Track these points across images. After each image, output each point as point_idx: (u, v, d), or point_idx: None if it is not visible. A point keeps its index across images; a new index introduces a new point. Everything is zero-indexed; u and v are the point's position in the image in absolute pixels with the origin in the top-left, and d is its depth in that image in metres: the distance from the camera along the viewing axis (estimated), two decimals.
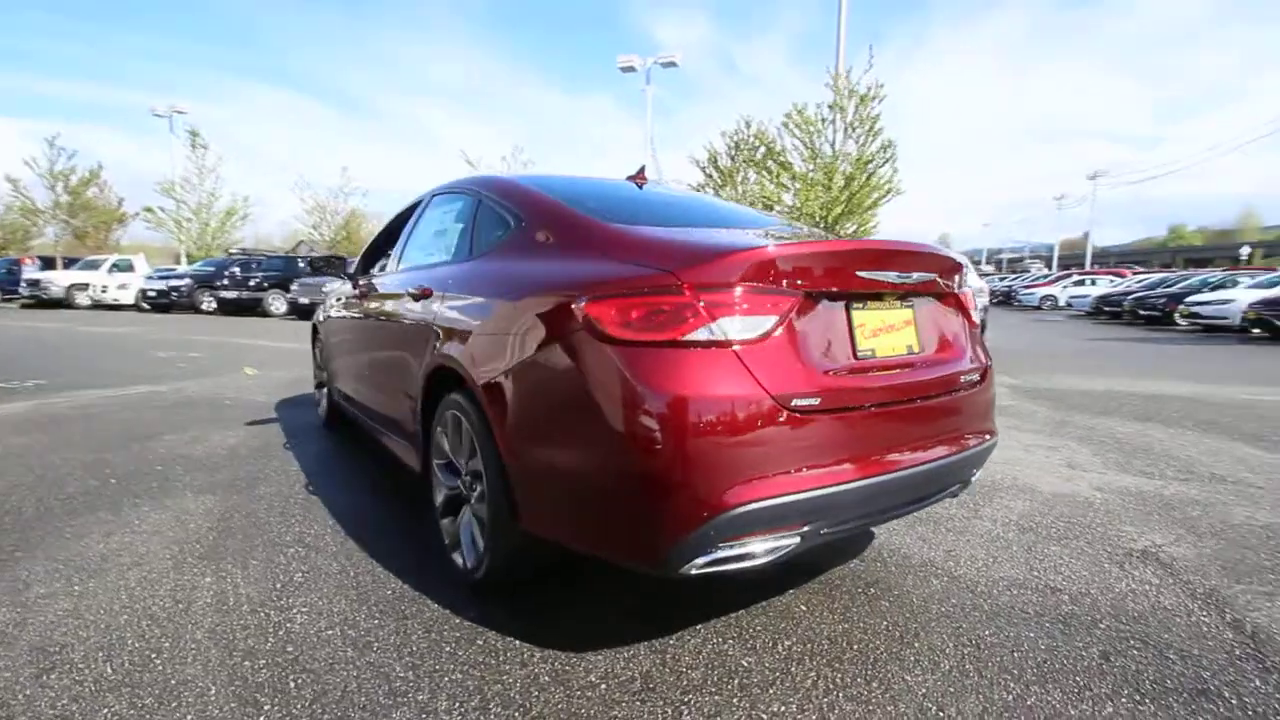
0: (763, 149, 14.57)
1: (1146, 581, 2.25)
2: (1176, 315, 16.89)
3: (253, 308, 17.54)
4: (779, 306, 1.57)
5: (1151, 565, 2.37)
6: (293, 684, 1.65)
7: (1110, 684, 1.67)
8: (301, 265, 17.43)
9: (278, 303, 17.45)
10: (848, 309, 1.73)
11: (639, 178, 2.79)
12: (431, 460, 2.35)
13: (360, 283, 3.34)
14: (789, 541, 1.59)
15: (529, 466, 1.75)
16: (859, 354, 1.73)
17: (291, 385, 6.18)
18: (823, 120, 12.78)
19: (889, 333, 1.82)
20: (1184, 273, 22.53)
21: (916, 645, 1.86)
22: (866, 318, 1.77)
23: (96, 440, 4.00)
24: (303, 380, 6.43)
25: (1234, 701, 1.61)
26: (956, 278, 2.04)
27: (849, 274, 1.71)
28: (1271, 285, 14.44)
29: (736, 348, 1.52)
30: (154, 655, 1.75)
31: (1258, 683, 1.69)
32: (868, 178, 12.47)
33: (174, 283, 18.05)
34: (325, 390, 4.39)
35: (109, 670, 1.69)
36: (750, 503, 1.48)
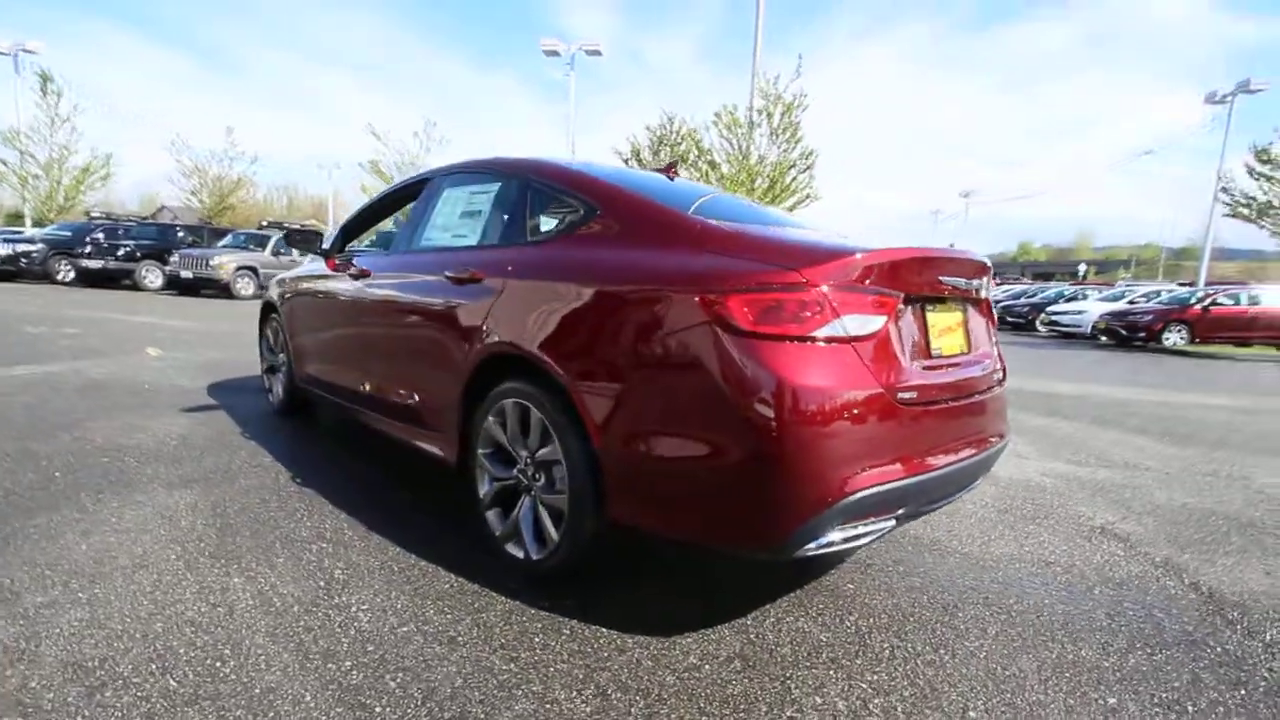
0: (693, 147, 14.86)
1: (1114, 553, 2.61)
2: (1038, 323, 19.13)
3: (118, 280, 15.62)
4: (887, 306, 1.70)
5: (1111, 540, 2.75)
6: (393, 683, 1.57)
7: (1124, 639, 1.95)
8: (272, 234, 15.81)
9: (152, 275, 15.65)
10: (924, 310, 1.89)
11: (670, 171, 2.83)
12: (477, 450, 2.28)
13: (352, 264, 3.12)
14: (887, 525, 1.72)
15: (628, 456, 1.76)
16: (932, 352, 1.89)
17: (211, 369, 5.62)
18: (751, 124, 13.26)
19: (949, 334, 2.00)
20: (1044, 285, 25.37)
21: (961, 614, 2.06)
22: (936, 319, 1.93)
23: (10, 428, 3.47)
24: (221, 363, 5.89)
25: (1218, 649, 1.93)
26: (988, 283, 2.26)
27: (933, 278, 1.86)
28: (1116, 299, 16.70)
29: (856, 344, 1.62)
30: (219, 664, 1.61)
31: (1227, 632, 2.03)
32: (789, 183, 13.11)
33: (23, 247, 15.64)
34: (281, 375, 4.06)
35: (172, 683, 1.53)
36: (866, 489, 1.60)
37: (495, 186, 2.55)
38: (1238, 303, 14.81)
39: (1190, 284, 21.89)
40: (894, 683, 1.69)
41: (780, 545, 1.60)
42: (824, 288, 1.60)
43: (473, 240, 2.54)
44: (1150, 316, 14.84)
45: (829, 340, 1.60)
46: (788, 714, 1.54)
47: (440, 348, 2.41)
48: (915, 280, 1.81)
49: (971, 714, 1.58)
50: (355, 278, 3.04)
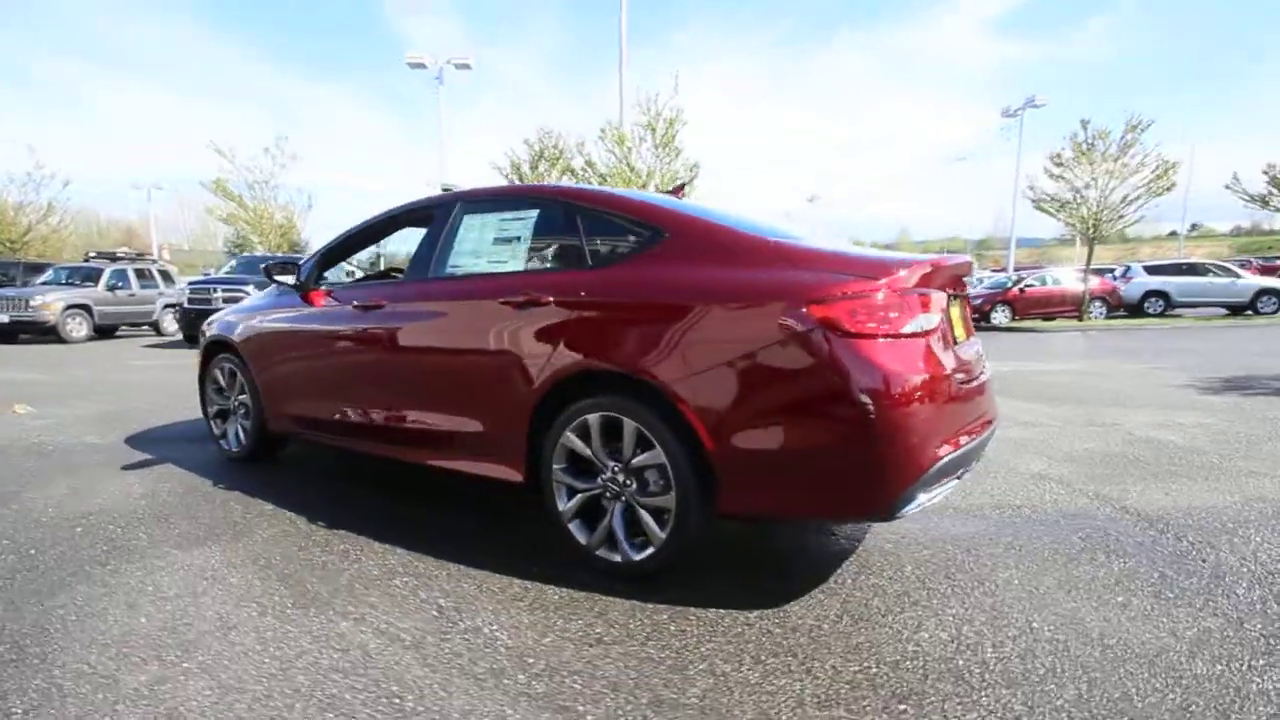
0: (583, 162, 15.09)
1: (1059, 493, 3.22)
2: None
3: None
4: (940, 304, 2.07)
5: (1051, 482, 3.38)
6: (577, 685, 1.67)
7: (1101, 554, 2.48)
8: (104, 267, 13.65)
9: None
10: (949, 304, 2.29)
11: (676, 192, 3.07)
12: (551, 466, 2.37)
13: (354, 295, 3.02)
14: (953, 485, 2.09)
15: (743, 453, 1.98)
16: (957, 340, 2.30)
17: (111, 421, 4.99)
18: (639, 139, 13.77)
19: (959, 324, 2.42)
20: None
21: (982, 554, 2.49)
22: (953, 312, 2.35)
23: None
24: (120, 415, 5.25)
25: (1164, 550, 2.51)
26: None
27: (953, 277, 2.27)
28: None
29: (928, 336, 1.97)
30: (399, 701, 1.61)
31: (1163, 539, 2.63)
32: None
33: None
34: (239, 419, 3.76)
35: None
36: (945, 456, 1.95)
37: (532, 213, 2.64)
38: (1044, 284, 17.68)
39: (1002, 269, 25.75)
40: (969, 611, 2.05)
41: (886, 510, 1.91)
42: (903, 292, 1.94)
43: (517, 265, 2.61)
44: (981, 299, 17.27)
45: (911, 335, 1.93)
46: (909, 649, 1.85)
47: (500, 372, 2.46)
48: (946, 281, 2.20)
49: (1035, 624, 1.98)
50: (364, 309, 2.96)
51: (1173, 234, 56.47)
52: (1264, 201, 16.04)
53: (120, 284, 13.90)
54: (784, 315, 1.92)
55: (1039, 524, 2.80)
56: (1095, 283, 17.18)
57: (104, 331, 13.74)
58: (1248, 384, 6.39)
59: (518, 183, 17.40)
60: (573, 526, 2.36)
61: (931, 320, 2.02)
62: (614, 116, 14.87)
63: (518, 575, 2.31)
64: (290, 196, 18.56)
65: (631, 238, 2.38)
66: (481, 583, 2.26)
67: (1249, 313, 16.62)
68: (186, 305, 11.74)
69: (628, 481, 2.23)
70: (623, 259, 2.35)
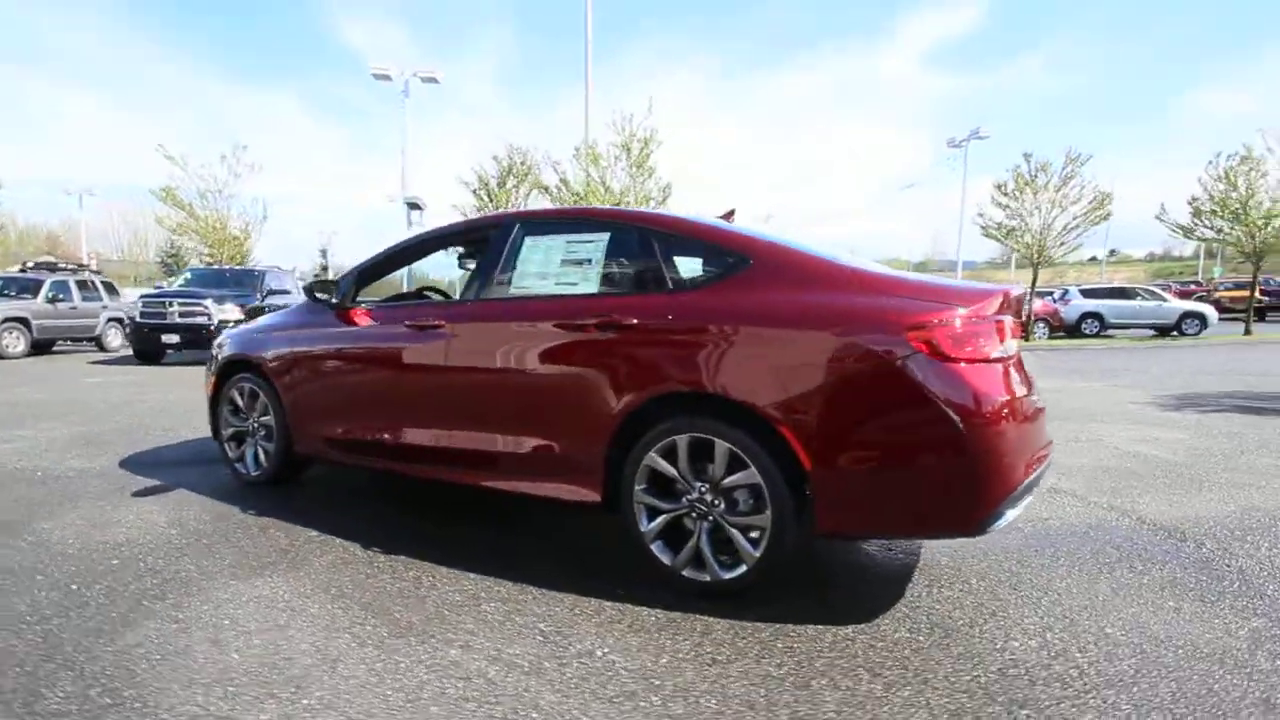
0: (557, 179, 15.13)
1: (1076, 506, 3.43)
2: None
3: None
4: (1015, 330, 2.21)
5: (1066, 496, 3.60)
6: (739, 705, 1.70)
7: (1135, 561, 2.66)
8: (44, 277, 12.79)
9: None
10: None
11: (728, 217, 3.16)
12: (634, 488, 2.40)
13: (406, 314, 2.98)
14: (1028, 502, 2.22)
15: (842, 474, 2.06)
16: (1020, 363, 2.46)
17: (94, 445, 4.70)
18: (614, 159, 13.93)
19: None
20: None
21: (1032, 564, 2.63)
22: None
23: None
24: (98, 437, 4.96)
25: (1186, 556, 2.72)
26: None
27: (1015, 305, 2.43)
28: None
29: (1010, 361, 2.11)
30: None
31: (1183, 545, 2.85)
32: None
33: None
34: (261, 442, 3.62)
35: None
36: (1029, 475, 2.08)
37: (603, 236, 2.68)
38: None
39: None
40: (1046, 620, 2.18)
41: (978, 527, 2.02)
42: (990, 319, 2.07)
43: (590, 288, 2.64)
44: None
45: (996, 360, 2.07)
46: (1007, 658, 1.95)
47: (579, 393, 2.48)
48: (1013, 308, 2.36)
49: (1108, 629, 2.12)
50: (420, 328, 2.92)
51: (1094, 259, 60.68)
52: (1187, 231, 17.44)
53: (61, 296, 13.05)
54: (884, 341, 2.02)
55: (1071, 536, 2.98)
56: (1039, 305, 18.24)
57: (41, 347, 12.85)
58: (1200, 401, 6.93)
59: (489, 207, 17.30)
60: (655, 548, 2.38)
61: (1010, 346, 2.16)
62: (567, 134, 14.99)
63: (604, 598, 2.32)
64: (244, 207, 17.88)
65: (714, 263, 2.45)
66: (572, 606, 2.26)
67: (1174, 334, 17.95)
68: (139, 319, 11.12)
69: (716, 501, 2.28)
70: (708, 284, 2.42)
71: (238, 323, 11.42)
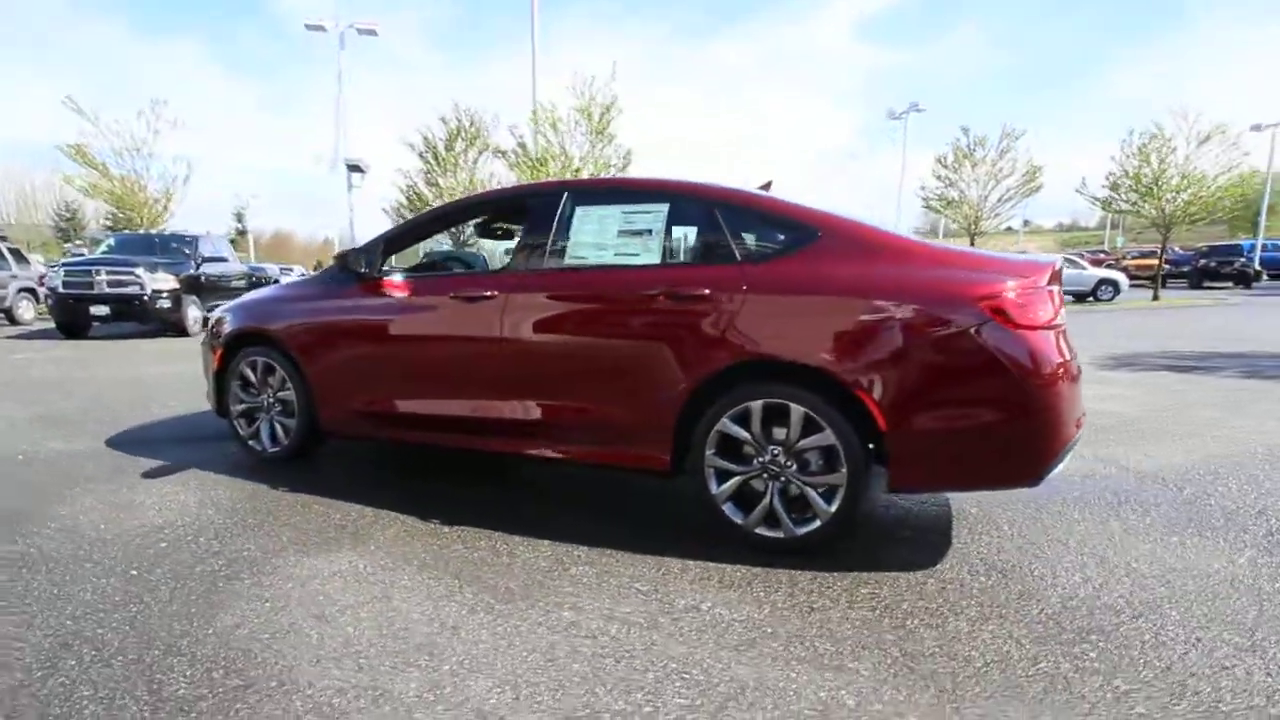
0: (514, 142, 14.67)
1: (1110, 471, 3.74)
2: None
3: None
4: (1061, 298, 2.41)
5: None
6: (828, 648, 1.85)
7: (1139, 507, 2.97)
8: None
9: None
10: None
11: (765, 189, 3.23)
12: (705, 452, 2.49)
13: (448, 286, 2.93)
14: (1071, 455, 2.45)
15: (916, 434, 2.22)
16: None
17: (56, 424, 4.39)
18: (575, 124, 13.62)
19: None
20: None
21: (1049, 510, 2.90)
22: None
23: None
24: (54, 418, 4.64)
25: (1175, 498, 3.06)
26: None
27: (1058, 275, 2.62)
28: None
29: (1059, 328, 2.31)
30: (707, 675, 1.70)
31: (1166, 489, 3.19)
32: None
33: None
34: (279, 417, 3.49)
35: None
36: (1077, 431, 2.31)
37: (661, 207, 2.70)
38: None
39: None
40: (1079, 558, 2.43)
41: (1037, 478, 2.23)
42: (1044, 289, 2.25)
43: (652, 259, 2.67)
44: None
45: (1052, 327, 2.26)
46: (1062, 592, 2.18)
47: (648, 362, 2.53)
48: (1058, 279, 2.55)
49: (1132, 564, 2.39)
50: (469, 300, 2.87)
51: (1009, 229, 64.47)
52: (1106, 204, 18.77)
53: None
54: (959, 310, 2.18)
55: (1071, 484, 3.29)
56: None
57: None
58: (1134, 361, 7.61)
59: (437, 171, 16.64)
60: (728, 508, 2.50)
61: (1061, 314, 2.36)
62: (502, 95, 14.49)
63: (686, 556, 2.42)
64: (165, 167, 16.47)
65: (781, 235, 2.53)
66: (657, 566, 2.35)
67: (1090, 299, 19.41)
68: (63, 290, 10.20)
69: (788, 462, 2.41)
70: (778, 255, 2.50)
71: (173, 292, 10.70)
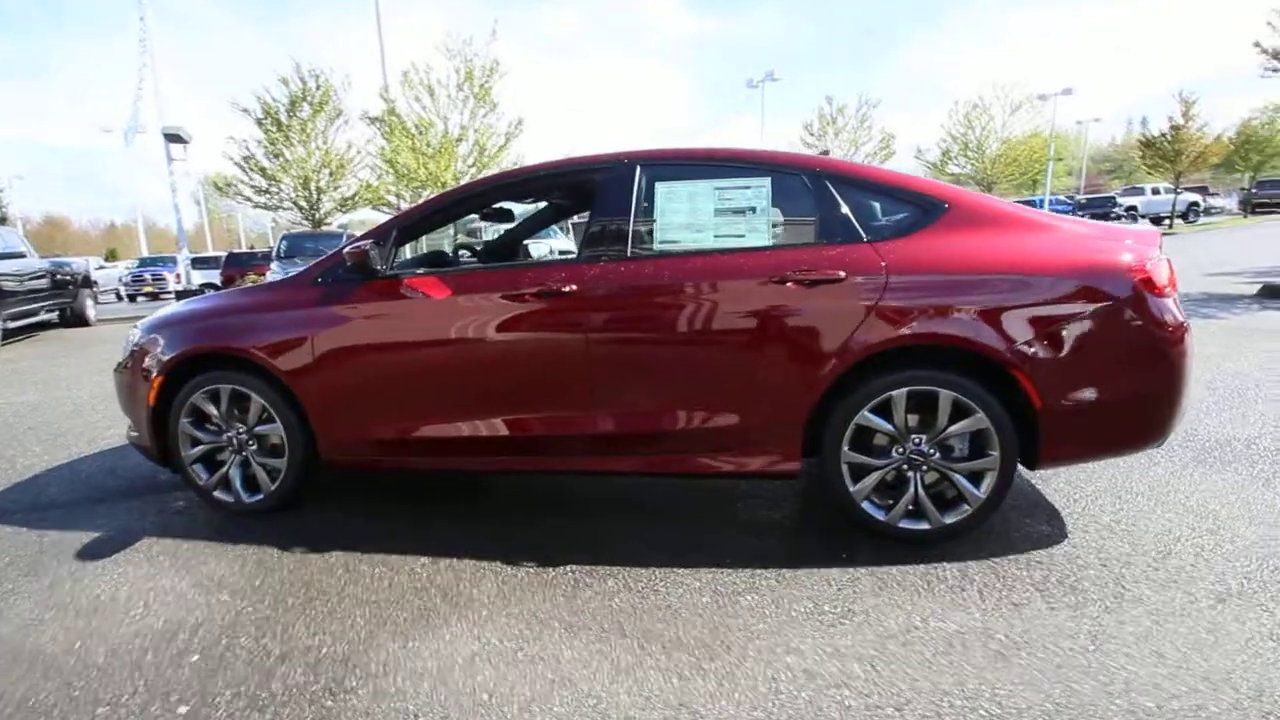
0: (386, 108, 13.04)
1: None
2: None
3: None
4: None
5: None
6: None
7: (1217, 463, 3.13)
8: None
9: None
10: None
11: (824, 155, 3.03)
12: (840, 449, 2.30)
13: (503, 283, 2.42)
14: None
15: (1071, 406, 2.18)
16: None
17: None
18: (458, 88, 12.33)
19: None
20: None
21: (1121, 467, 3.07)
22: None
23: None
24: None
25: (1235, 455, 3.34)
26: None
27: None
28: None
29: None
30: (957, 687, 1.53)
31: (1224, 449, 3.46)
32: (496, 150, 12.79)
33: None
34: (257, 455, 2.75)
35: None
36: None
37: (761, 181, 2.41)
38: None
39: None
40: (1173, 514, 2.58)
41: (1164, 439, 2.30)
42: (1164, 258, 2.30)
43: (761, 240, 2.37)
44: None
45: (1173, 292, 2.32)
46: (1162, 546, 2.27)
47: (779, 356, 2.28)
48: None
49: (1219, 512, 2.58)
50: (538, 297, 2.39)
51: None
52: (939, 168, 20.97)
53: None
54: (1109, 280, 2.15)
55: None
56: None
57: None
58: None
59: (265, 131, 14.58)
60: (867, 505, 2.34)
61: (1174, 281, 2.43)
62: (311, 50, 12.87)
63: (840, 564, 2.23)
64: None
65: (906, 209, 2.36)
66: (824, 580, 2.14)
67: None
68: None
69: (931, 451, 2.29)
70: (910, 231, 2.32)
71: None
